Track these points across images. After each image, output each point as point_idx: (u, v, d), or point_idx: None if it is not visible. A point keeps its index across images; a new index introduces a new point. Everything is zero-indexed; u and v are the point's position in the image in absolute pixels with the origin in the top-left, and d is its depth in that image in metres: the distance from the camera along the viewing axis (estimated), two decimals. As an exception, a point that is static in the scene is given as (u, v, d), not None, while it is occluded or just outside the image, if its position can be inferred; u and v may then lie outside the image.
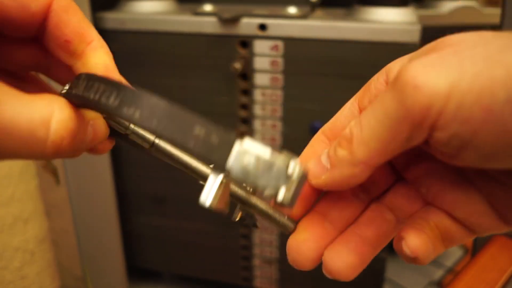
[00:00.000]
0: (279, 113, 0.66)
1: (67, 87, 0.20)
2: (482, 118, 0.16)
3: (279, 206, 0.18)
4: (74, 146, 0.19)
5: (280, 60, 0.62)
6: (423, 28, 0.56)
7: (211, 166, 0.22)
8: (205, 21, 0.62)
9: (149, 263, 0.83)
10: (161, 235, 0.78)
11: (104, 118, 0.21)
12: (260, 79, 0.64)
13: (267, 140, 0.68)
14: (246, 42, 0.62)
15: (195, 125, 0.17)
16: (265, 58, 0.62)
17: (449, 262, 0.88)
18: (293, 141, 0.66)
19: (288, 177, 0.18)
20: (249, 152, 0.17)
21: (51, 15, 0.19)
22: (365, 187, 0.23)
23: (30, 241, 0.61)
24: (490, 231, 0.21)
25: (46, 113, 0.17)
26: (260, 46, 0.62)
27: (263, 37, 0.61)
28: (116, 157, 0.72)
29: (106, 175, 0.70)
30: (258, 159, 0.17)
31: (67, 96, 0.19)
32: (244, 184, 0.18)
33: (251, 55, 0.63)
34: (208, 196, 0.18)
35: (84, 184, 0.70)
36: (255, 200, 0.22)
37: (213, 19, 0.62)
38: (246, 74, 0.64)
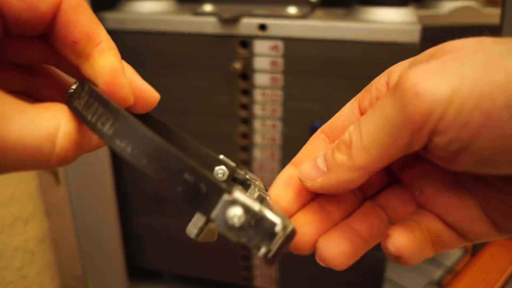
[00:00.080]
0: (279, 113, 0.66)
1: (74, 86, 0.20)
2: (480, 122, 0.16)
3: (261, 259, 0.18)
4: (79, 155, 0.19)
5: (280, 60, 0.62)
6: (423, 28, 0.56)
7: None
8: (205, 21, 0.62)
9: (149, 263, 0.83)
10: (161, 235, 0.78)
11: None
12: (260, 79, 0.64)
13: (267, 140, 0.68)
14: (246, 42, 0.62)
15: (185, 172, 0.17)
16: (265, 58, 0.62)
17: (449, 262, 0.88)
18: (293, 141, 0.66)
19: (274, 234, 0.17)
20: (236, 203, 0.17)
21: (60, 14, 0.19)
22: (361, 186, 0.23)
23: (30, 241, 0.61)
24: (482, 238, 0.21)
25: (53, 128, 0.17)
26: (260, 46, 0.62)
27: (263, 37, 0.61)
28: (116, 157, 0.72)
29: (106, 175, 0.70)
30: (245, 211, 0.17)
31: (70, 105, 0.19)
32: (227, 236, 0.18)
33: (251, 55, 0.63)
34: (192, 230, 0.18)
35: (84, 184, 0.70)
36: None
37: (213, 19, 0.62)
38: (246, 74, 0.64)
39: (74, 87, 0.20)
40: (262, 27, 0.61)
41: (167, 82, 0.66)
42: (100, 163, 0.69)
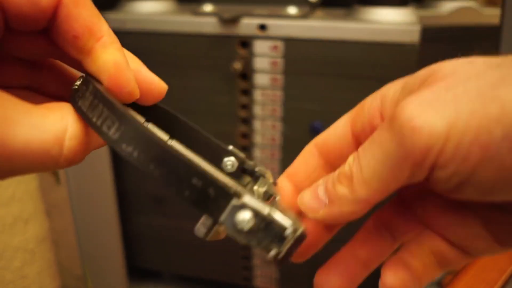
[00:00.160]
0: (279, 113, 0.66)
1: (78, 82, 0.20)
2: (480, 156, 0.16)
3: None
4: (87, 153, 0.19)
5: (280, 60, 0.62)
6: (423, 28, 0.56)
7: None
8: (205, 21, 0.62)
9: (149, 263, 0.83)
10: (161, 235, 0.78)
11: None
12: (260, 79, 0.64)
13: (267, 140, 0.68)
14: (246, 42, 0.62)
15: (193, 176, 0.16)
16: (265, 58, 0.62)
17: (449, 262, 0.88)
18: (293, 141, 0.66)
19: (284, 237, 0.17)
20: (246, 207, 0.17)
21: (61, 8, 0.18)
22: None
23: (30, 241, 0.61)
24: (485, 254, 0.21)
25: (60, 130, 0.17)
26: (260, 46, 0.62)
27: (263, 37, 0.61)
28: (116, 157, 0.72)
29: (106, 175, 0.70)
30: (254, 215, 0.17)
31: (74, 104, 0.19)
32: (236, 239, 0.17)
33: (251, 55, 0.63)
34: (201, 229, 0.18)
35: (84, 184, 0.70)
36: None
37: (213, 19, 0.62)
38: (246, 74, 0.64)
39: (78, 83, 0.20)
40: (262, 27, 0.61)
41: (167, 82, 0.66)
42: (100, 163, 0.69)
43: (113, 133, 0.17)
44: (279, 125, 0.66)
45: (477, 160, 0.16)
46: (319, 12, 0.68)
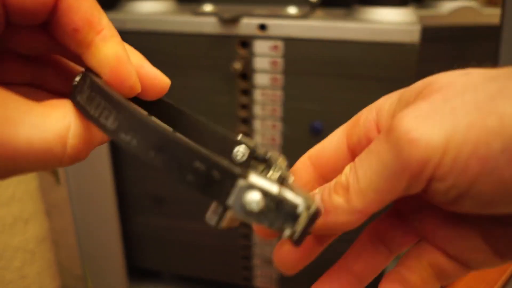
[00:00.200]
0: (279, 113, 0.66)
1: (78, 78, 0.19)
2: (478, 169, 0.16)
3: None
4: (91, 150, 0.19)
5: (280, 60, 0.62)
6: (423, 28, 0.56)
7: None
8: (205, 21, 0.62)
9: (149, 263, 0.83)
10: (161, 235, 0.78)
11: None
12: (260, 79, 0.64)
13: (267, 140, 0.68)
14: (246, 42, 0.62)
15: (195, 160, 0.16)
16: (265, 58, 0.62)
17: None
18: (293, 141, 0.66)
19: (297, 216, 0.16)
20: (253, 187, 0.16)
21: (61, 0, 0.18)
22: None
23: (30, 241, 0.61)
24: (485, 266, 0.20)
25: (62, 129, 0.17)
26: (260, 46, 0.62)
27: (263, 37, 0.61)
28: (116, 157, 0.72)
29: (106, 175, 0.70)
30: (263, 195, 0.16)
31: (73, 99, 0.19)
32: (247, 222, 0.17)
33: (251, 55, 0.63)
34: (212, 217, 0.17)
35: (84, 184, 0.70)
36: None
37: (213, 19, 0.62)
38: (246, 74, 0.64)
39: (77, 79, 0.19)
40: (262, 27, 0.61)
41: (167, 82, 0.66)
42: (100, 163, 0.69)
43: (111, 123, 0.17)
44: (279, 125, 0.66)
45: (475, 173, 0.16)
46: (319, 12, 0.68)
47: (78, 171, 0.68)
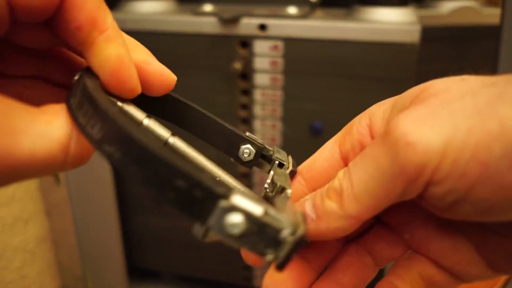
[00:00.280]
0: (279, 113, 0.66)
1: (77, 77, 0.19)
2: (478, 173, 0.15)
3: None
4: (91, 156, 0.18)
5: (280, 60, 0.62)
6: (423, 28, 0.56)
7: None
8: (205, 21, 0.62)
9: (149, 263, 0.83)
10: (161, 235, 0.78)
11: (118, 111, 0.20)
12: (260, 79, 0.64)
13: (267, 140, 0.68)
14: (246, 42, 0.62)
15: (177, 177, 0.15)
16: (265, 58, 0.62)
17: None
18: (293, 141, 0.66)
19: (280, 241, 0.15)
20: (236, 209, 0.15)
21: None
22: None
23: (30, 241, 0.61)
24: (477, 279, 0.20)
25: (65, 137, 0.17)
26: (260, 46, 0.62)
27: (263, 37, 0.61)
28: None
29: (106, 175, 0.70)
30: (246, 218, 0.15)
31: (67, 102, 0.18)
32: (228, 244, 0.16)
33: (251, 55, 0.63)
34: (199, 230, 0.16)
35: (84, 184, 0.70)
36: None
37: (213, 19, 0.62)
38: (246, 74, 0.64)
39: (76, 78, 0.19)
40: (262, 27, 0.61)
41: (167, 82, 0.66)
42: (100, 163, 0.69)
43: (96, 133, 0.16)
44: (279, 125, 0.66)
45: (475, 177, 0.15)
46: (319, 12, 0.68)
47: (78, 171, 0.68)
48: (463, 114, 0.16)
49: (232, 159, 0.24)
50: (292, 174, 0.23)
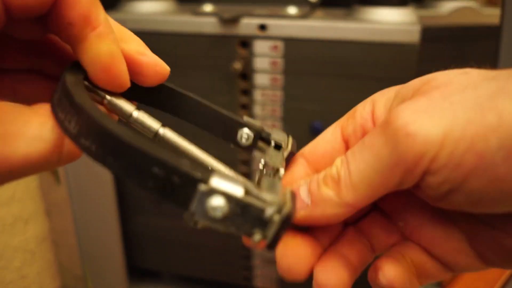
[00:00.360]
0: (279, 113, 0.66)
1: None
2: (473, 164, 0.16)
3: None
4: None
5: (280, 60, 0.62)
6: (423, 28, 0.56)
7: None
8: (205, 21, 0.62)
9: (149, 263, 0.83)
10: (161, 235, 0.78)
11: (106, 106, 0.20)
12: (260, 79, 0.64)
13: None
14: (246, 42, 0.62)
15: (153, 165, 0.15)
16: (265, 58, 0.62)
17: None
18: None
19: (266, 220, 0.15)
20: (216, 192, 0.15)
21: None
22: None
23: (30, 241, 0.61)
24: (467, 270, 0.20)
25: (58, 137, 0.17)
26: (260, 46, 0.62)
27: (263, 37, 0.61)
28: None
29: (106, 175, 0.70)
30: (227, 200, 0.15)
31: (52, 98, 0.18)
32: (213, 228, 0.16)
33: (251, 55, 0.63)
34: (188, 217, 0.16)
35: (84, 184, 0.70)
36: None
37: (213, 19, 0.62)
38: (246, 74, 0.64)
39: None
40: (262, 27, 0.61)
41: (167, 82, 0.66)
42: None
43: (72, 127, 0.16)
44: (279, 125, 0.66)
45: (470, 168, 0.16)
46: (319, 12, 0.68)
47: (78, 171, 0.68)
48: (462, 107, 0.16)
49: (232, 146, 0.23)
50: (291, 155, 0.23)
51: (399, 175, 0.17)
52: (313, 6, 0.68)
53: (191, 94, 0.23)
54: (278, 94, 0.64)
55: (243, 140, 0.23)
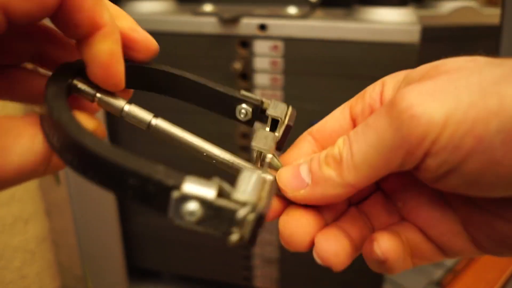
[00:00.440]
0: (279, 113, 0.66)
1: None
2: (472, 146, 0.16)
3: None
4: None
5: (280, 60, 0.62)
6: (423, 28, 0.56)
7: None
8: (205, 21, 0.62)
9: (149, 263, 0.83)
10: (161, 235, 0.78)
11: (98, 102, 0.21)
12: (260, 79, 0.64)
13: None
14: (246, 42, 0.62)
15: (128, 177, 0.15)
16: (265, 58, 0.62)
17: (449, 262, 0.88)
18: (293, 141, 0.66)
19: (240, 220, 0.15)
20: (189, 197, 0.15)
21: (65, 1, 0.18)
22: None
23: (30, 241, 0.61)
24: (461, 254, 0.20)
25: (47, 151, 0.18)
26: (260, 46, 0.62)
27: (263, 37, 0.61)
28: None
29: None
30: (200, 204, 0.15)
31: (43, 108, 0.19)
32: (193, 230, 0.16)
33: (251, 55, 0.63)
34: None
35: (84, 184, 0.70)
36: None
37: (213, 19, 0.62)
38: (246, 74, 0.64)
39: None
40: (262, 27, 0.61)
41: (167, 82, 0.66)
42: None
43: (56, 141, 0.17)
44: (279, 125, 0.66)
45: (468, 150, 0.16)
46: (319, 12, 0.68)
47: (78, 171, 0.68)
48: (467, 90, 0.16)
49: (234, 120, 0.24)
50: (288, 128, 0.23)
51: (401, 156, 0.17)
52: (313, 6, 0.68)
53: (187, 75, 0.23)
54: (278, 94, 0.64)
55: (242, 116, 0.23)
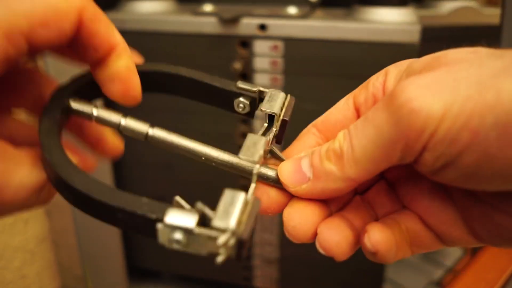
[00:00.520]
0: (279, 113, 0.65)
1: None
2: (468, 140, 0.16)
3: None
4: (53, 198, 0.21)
5: (280, 60, 0.62)
6: (423, 28, 0.56)
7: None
8: (205, 21, 0.62)
9: (149, 263, 0.83)
10: (161, 235, 0.78)
11: (96, 120, 0.21)
12: (260, 79, 0.64)
13: (267, 140, 0.68)
14: (246, 42, 0.62)
15: (116, 212, 0.17)
16: (265, 58, 0.62)
17: (449, 262, 0.88)
18: (293, 141, 0.66)
19: (222, 243, 0.16)
20: (172, 227, 0.16)
21: (81, 27, 0.19)
22: None
23: (30, 241, 0.61)
24: (459, 243, 0.21)
25: (42, 179, 0.19)
26: (260, 46, 0.62)
27: (263, 37, 0.61)
28: (116, 157, 0.72)
29: (106, 175, 0.70)
30: (184, 232, 0.16)
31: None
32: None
33: (251, 55, 0.63)
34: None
35: (84, 184, 0.70)
36: None
37: (213, 19, 0.62)
38: (246, 74, 0.64)
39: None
40: (262, 27, 0.61)
41: (167, 82, 0.66)
42: (100, 163, 0.69)
43: (51, 177, 0.18)
44: (279, 125, 0.66)
45: (465, 143, 0.16)
46: (319, 12, 0.68)
47: (78, 171, 0.68)
48: (465, 84, 0.16)
49: (235, 114, 0.24)
50: (284, 123, 0.23)
51: (400, 150, 0.17)
52: (313, 6, 0.68)
53: (183, 72, 0.24)
54: (278, 94, 0.64)
55: (240, 109, 0.23)
